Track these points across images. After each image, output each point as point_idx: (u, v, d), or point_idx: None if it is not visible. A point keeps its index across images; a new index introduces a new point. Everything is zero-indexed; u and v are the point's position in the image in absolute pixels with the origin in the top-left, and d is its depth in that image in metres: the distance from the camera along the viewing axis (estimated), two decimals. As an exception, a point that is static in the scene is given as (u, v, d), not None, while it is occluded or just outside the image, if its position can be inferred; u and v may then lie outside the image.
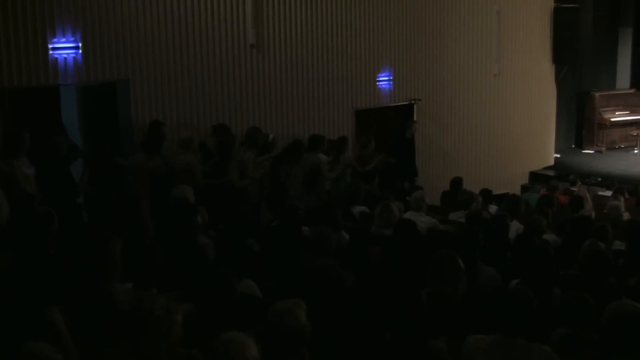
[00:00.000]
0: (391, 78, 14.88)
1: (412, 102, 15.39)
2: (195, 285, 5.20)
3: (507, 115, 17.33)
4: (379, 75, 14.71)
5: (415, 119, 15.35)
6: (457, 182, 12.76)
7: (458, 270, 5.81)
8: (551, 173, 17.67)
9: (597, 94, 20.06)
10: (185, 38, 11.61)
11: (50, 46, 10.31)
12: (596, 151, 19.87)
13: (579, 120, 20.40)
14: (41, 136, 9.51)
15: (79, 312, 4.60)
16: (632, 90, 21.11)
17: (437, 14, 15.73)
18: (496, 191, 13.34)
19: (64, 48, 10.41)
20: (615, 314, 4.56)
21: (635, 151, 19.52)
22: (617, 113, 20.09)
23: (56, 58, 10.37)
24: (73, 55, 10.47)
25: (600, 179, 16.75)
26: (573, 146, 20.46)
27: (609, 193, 14.38)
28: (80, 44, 10.48)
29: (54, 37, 10.30)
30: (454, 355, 4.69)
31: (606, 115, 19.87)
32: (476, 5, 16.53)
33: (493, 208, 11.03)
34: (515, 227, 9.42)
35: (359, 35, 14.21)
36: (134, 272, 5.27)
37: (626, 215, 11.50)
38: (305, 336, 4.30)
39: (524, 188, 14.07)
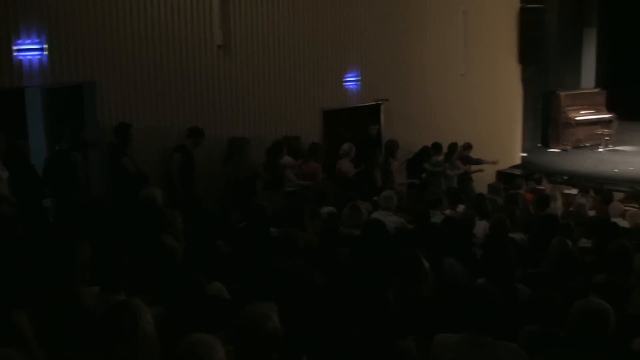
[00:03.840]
0: (358, 78, 14.90)
1: (379, 102, 15.43)
2: (163, 287, 5.17)
3: (473, 115, 17.42)
4: (347, 75, 14.72)
5: (381, 119, 15.41)
6: (425, 183, 12.84)
7: (423, 269, 5.82)
8: (518, 172, 17.80)
9: (562, 94, 20.25)
10: (151, 40, 11.53)
11: (14, 48, 10.19)
12: (562, 150, 20.05)
13: (544, 120, 20.57)
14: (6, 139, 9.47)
15: (47, 317, 4.55)
16: (597, 90, 21.35)
17: (404, 14, 15.78)
18: (464, 190, 13.40)
19: (29, 50, 10.27)
20: (581, 311, 4.60)
21: (600, 149, 19.72)
22: (582, 112, 20.29)
23: (20, 60, 10.23)
24: (38, 57, 10.34)
25: (566, 178, 16.90)
26: (539, 145, 20.62)
27: (574, 191, 14.53)
28: (45, 46, 10.36)
29: (18, 38, 10.17)
30: (423, 355, 4.71)
31: (571, 115, 20.06)
32: (443, 5, 16.61)
33: (461, 208, 11.08)
34: (482, 226, 9.48)
35: (326, 36, 14.22)
36: (101, 275, 5.23)
37: (592, 213, 11.62)
38: (277, 340, 4.28)
39: (491, 187, 14.17)
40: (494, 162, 16.46)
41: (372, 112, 15.39)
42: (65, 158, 10.57)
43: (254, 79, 13.02)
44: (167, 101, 11.79)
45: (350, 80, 14.79)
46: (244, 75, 12.86)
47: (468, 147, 16.02)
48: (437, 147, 15.24)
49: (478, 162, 15.99)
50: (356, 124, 15.02)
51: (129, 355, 4.07)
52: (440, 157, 15.26)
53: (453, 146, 15.48)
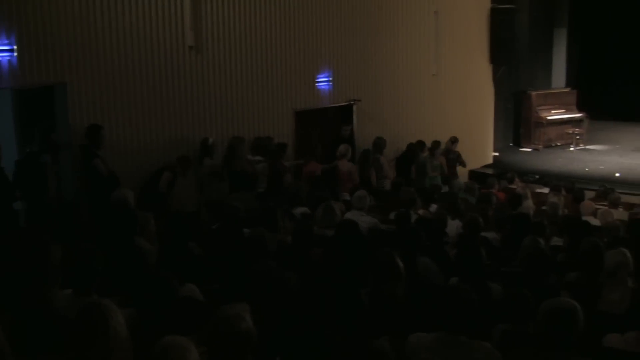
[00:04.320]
0: (331, 79, 14.91)
1: (352, 102, 15.45)
2: (136, 290, 5.14)
3: (445, 115, 17.48)
4: (319, 76, 14.72)
5: (354, 119, 15.43)
6: (398, 183, 12.84)
7: (398, 269, 5.83)
8: (490, 171, 17.87)
9: (533, 93, 20.37)
10: (122, 41, 11.47)
11: (-17, 49, 10.13)
12: (533, 149, 20.17)
13: (516, 119, 20.69)
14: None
15: (18, 320, 4.51)
16: (567, 89, 21.51)
17: (376, 15, 15.81)
18: (436, 190, 13.44)
19: (-1, 51, 10.23)
20: (550, 310, 4.63)
21: (571, 149, 19.85)
22: (553, 112, 20.43)
23: (-10, 61, 10.19)
24: (8, 58, 10.26)
25: (537, 177, 16.98)
26: (511, 144, 20.74)
27: (546, 190, 14.61)
28: (15, 47, 10.28)
29: (-12, 39, 10.12)
30: (397, 354, 4.71)
31: (543, 114, 20.19)
32: (414, 6, 16.65)
33: (434, 207, 11.10)
34: (455, 226, 9.51)
35: (298, 36, 14.21)
36: (73, 277, 5.19)
37: (564, 212, 11.70)
38: (251, 341, 4.27)
39: (464, 186, 14.24)
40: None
41: (344, 113, 15.41)
42: (35, 160, 10.48)
43: (225, 79, 12.99)
44: (138, 102, 11.75)
45: (323, 81, 14.80)
46: (215, 76, 12.82)
47: (455, 140, 16.47)
48: (421, 145, 15.57)
49: (463, 164, 16.64)
50: (329, 124, 15.04)
51: (101, 357, 4.04)
52: (425, 154, 15.60)
53: (436, 144, 15.82)
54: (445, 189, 13.63)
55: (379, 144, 14.98)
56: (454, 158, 16.54)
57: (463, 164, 16.77)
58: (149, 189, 11.46)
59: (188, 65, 12.40)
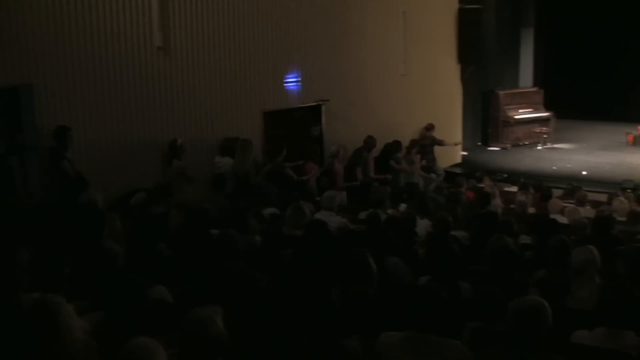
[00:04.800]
0: (299, 79, 14.90)
1: (320, 102, 15.45)
2: (104, 292, 5.10)
3: (414, 115, 17.54)
4: (287, 76, 14.71)
5: (322, 119, 15.44)
6: (367, 183, 12.89)
7: (370, 269, 5.85)
8: (459, 170, 17.96)
9: (501, 93, 20.49)
10: (90, 42, 11.38)
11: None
12: (502, 148, 20.29)
13: (484, 118, 20.79)
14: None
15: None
16: (535, 89, 21.67)
17: (345, 15, 15.83)
18: (406, 190, 13.49)
19: (-37, 53, 10.11)
20: (518, 308, 4.66)
21: (539, 147, 20.00)
22: (520, 111, 20.56)
23: (-46, 63, 10.08)
24: (-27, 60, 10.18)
25: (506, 175, 17.09)
26: (479, 144, 20.84)
27: (514, 189, 14.69)
28: (-21, 48, 10.20)
29: (-49, 41, 10.00)
30: (367, 353, 4.72)
31: (510, 113, 20.31)
32: (382, 6, 16.69)
33: (403, 207, 11.14)
34: (424, 225, 9.55)
35: (266, 37, 14.19)
36: (41, 280, 5.15)
37: (532, 210, 11.77)
38: (222, 344, 4.26)
39: (433, 186, 14.34)
40: (455, 144, 18.25)
41: (313, 113, 15.41)
42: (2, 163, 10.38)
43: (194, 80, 12.94)
44: (106, 103, 11.65)
45: (291, 81, 14.79)
46: (183, 77, 12.77)
47: (431, 127, 17.20)
48: (398, 144, 15.97)
49: (441, 143, 17.38)
50: (298, 125, 15.04)
51: (58, 352, 4.00)
52: (401, 154, 16.01)
53: (413, 143, 16.49)
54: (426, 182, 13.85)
55: (369, 143, 15.45)
56: (430, 143, 17.23)
57: (441, 144, 17.47)
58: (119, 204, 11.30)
59: (156, 66, 12.33)
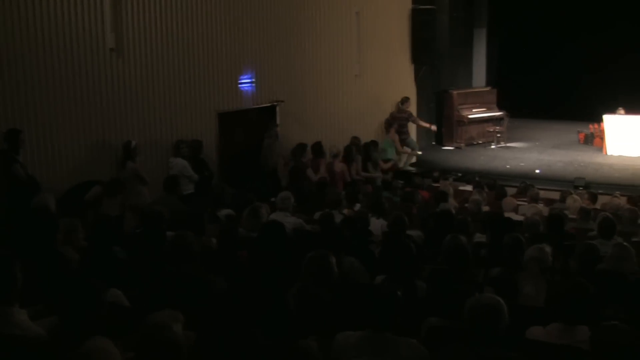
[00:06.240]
0: (253, 80, 14.87)
1: (275, 103, 15.44)
2: (58, 297, 5.03)
3: (369, 115, 17.61)
4: (241, 77, 14.68)
5: (278, 121, 15.43)
6: (323, 183, 12.88)
7: (330, 270, 5.85)
8: (414, 170, 18.04)
9: (455, 92, 20.61)
10: (41, 43, 11.24)
11: None
12: (456, 147, 20.41)
13: (438, 118, 20.86)
14: None
15: None
16: (488, 88, 21.85)
17: (298, 15, 15.84)
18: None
19: None
20: (473, 306, 4.69)
21: (493, 146, 20.15)
22: (474, 110, 20.69)
23: None
24: None
25: (460, 174, 17.21)
26: (434, 143, 20.94)
27: (469, 188, 14.80)
28: None
29: None
30: (324, 354, 4.72)
31: (464, 113, 20.44)
32: (336, 6, 16.73)
33: (358, 206, 11.16)
34: (379, 224, 9.57)
35: (220, 38, 14.14)
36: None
37: (486, 209, 11.86)
38: (179, 348, 4.22)
39: (385, 184, 14.39)
40: (431, 127, 19.03)
41: (269, 114, 15.39)
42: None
43: (147, 82, 12.85)
44: (58, 105, 11.53)
45: (245, 82, 14.76)
46: (137, 78, 12.68)
47: (406, 100, 18.32)
48: (375, 144, 16.64)
49: (415, 121, 18.63)
50: (253, 126, 15.00)
51: None
52: (379, 151, 16.76)
53: (392, 119, 17.74)
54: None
55: (357, 143, 16.10)
56: (405, 117, 18.14)
57: (416, 122, 18.71)
58: (72, 197, 11.22)
59: (109, 67, 12.22)
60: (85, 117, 11.91)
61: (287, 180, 14.20)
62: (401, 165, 18.07)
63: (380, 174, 16.28)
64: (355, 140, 15.98)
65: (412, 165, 18.64)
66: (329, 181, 14.00)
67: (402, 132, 18.12)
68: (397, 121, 17.94)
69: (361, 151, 16.01)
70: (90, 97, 11.97)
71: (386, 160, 17.18)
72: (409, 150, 18.16)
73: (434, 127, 19.46)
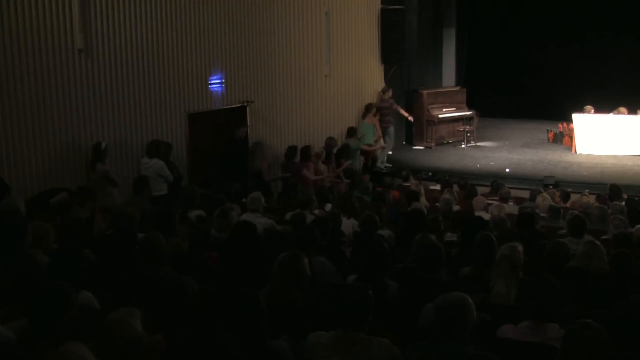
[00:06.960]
0: (223, 81, 14.84)
1: (245, 104, 15.41)
2: (28, 299, 4.98)
3: (339, 115, 17.62)
4: (211, 78, 14.64)
5: (247, 121, 15.40)
6: (292, 183, 12.90)
7: (302, 269, 5.84)
8: (384, 169, 18.09)
9: (424, 92, 20.65)
10: (9, 44, 11.13)
11: None
12: (426, 147, 20.46)
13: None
14: None
15: None
16: (457, 88, 21.93)
17: (268, 16, 15.82)
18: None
19: None
20: (442, 304, 4.71)
21: (463, 146, 20.23)
22: (444, 110, 20.75)
23: None
24: None
25: (430, 174, 17.27)
26: (404, 143, 21.00)
27: (439, 187, 14.86)
28: None
29: None
30: (296, 354, 4.72)
31: (434, 112, 20.49)
32: (305, 7, 16.72)
33: (329, 207, 11.17)
34: (350, 224, 9.59)
35: (189, 38, 14.09)
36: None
37: (457, 208, 11.91)
38: (141, 346, 4.20)
39: (359, 185, 14.42)
40: (409, 118, 19.65)
41: (239, 115, 15.36)
42: None
43: (116, 82, 12.77)
44: (27, 106, 11.41)
45: (215, 83, 14.72)
46: (106, 79, 12.59)
47: (387, 90, 18.65)
48: (352, 130, 17.16)
49: (397, 110, 19.10)
50: (223, 126, 14.97)
51: None
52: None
53: (369, 106, 17.91)
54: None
55: (334, 142, 16.28)
56: (387, 106, 18.40)
57: (398, 110, 18.98)
58: (40, 201, 11.09)
59: (78, 68, 12.12)
60: (55, 118, 11.81)
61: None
62: (379, 163, 18.14)
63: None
64: (330, 141, 15.96)
65: (387, 164, 18.67)
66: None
67: (384, 121, 18.40)
68: (380, 110, 18.11)
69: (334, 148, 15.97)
70: (59, 98, 11.86)
71: (368, 145, 17.54)
72: (384, 144, 18.26)
73: (410, 118, 19.71)
